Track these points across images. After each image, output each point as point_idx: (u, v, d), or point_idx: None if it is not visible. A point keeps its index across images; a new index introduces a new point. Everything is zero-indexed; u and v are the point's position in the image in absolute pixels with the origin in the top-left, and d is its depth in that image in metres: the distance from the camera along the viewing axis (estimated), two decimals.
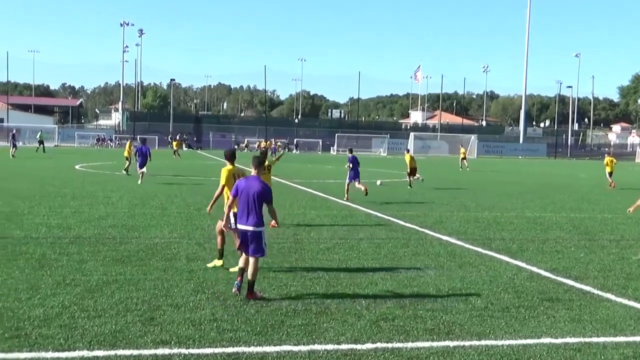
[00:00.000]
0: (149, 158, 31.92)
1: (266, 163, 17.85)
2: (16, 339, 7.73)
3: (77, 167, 42.17)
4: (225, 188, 11.90)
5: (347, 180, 25.83)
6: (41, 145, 66.40)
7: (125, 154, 37.47)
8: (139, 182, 30.30)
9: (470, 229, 18.33)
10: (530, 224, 19.83)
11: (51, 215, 18.19)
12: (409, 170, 33.89)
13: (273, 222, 10.77)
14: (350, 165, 25.84)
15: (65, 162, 47.58)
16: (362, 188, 25.46)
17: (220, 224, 11.97)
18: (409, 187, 33.21)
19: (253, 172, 10.31)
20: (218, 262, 12.22)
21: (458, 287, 11.17)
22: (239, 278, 10.22)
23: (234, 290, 10.15)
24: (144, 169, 31.30)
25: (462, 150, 59.48)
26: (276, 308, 9.41)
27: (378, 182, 33.68)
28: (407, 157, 34.41)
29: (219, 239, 12.31)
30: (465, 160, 57.20)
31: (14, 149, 55.41)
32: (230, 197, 10.46)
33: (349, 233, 16.83)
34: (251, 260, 10.03)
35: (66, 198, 22.80)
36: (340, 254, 13.90)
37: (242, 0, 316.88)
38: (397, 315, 9.30)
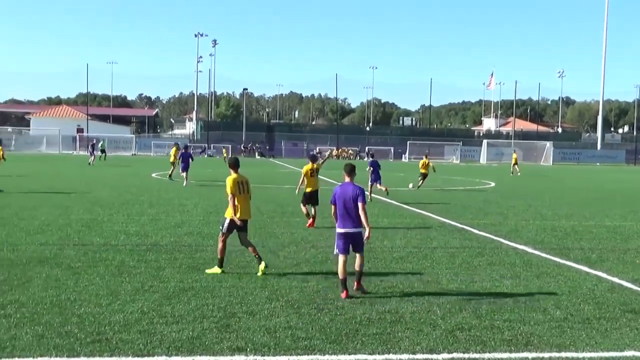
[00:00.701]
0: (190, 162, 35.87)
1: (315, 166, 19.39)
2: (97, 343, 7.93)
3: (153, 175, 43.12)
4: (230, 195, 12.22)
5: (370, 183, 27.91)
6: (103, 153, 70.37)
7: (171, 159, 39.22)
8: (184, 184, 33.83)
9: (547, 238, 17.93)
10: (610, 233, 19.28)
11: (129, 223, 18.63)
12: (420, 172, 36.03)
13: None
14: (371, 169, 28.22)
15: (142, 171, 48.69)
16: (384, 189, 28.01)
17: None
18: (416, 188, 35.17)
19: (346, 179, 11.06)
20: (217, 270, 12.29)
21: (535, 298, 10.93)
22: (345, 291, 10.61)
23: (344, 294, 10.51)
24: (186, 173, 34.88)
25: (515, 155, 60.99)
26: (350, 317, 9.40)
27: (410, 186, 35.83)
28: (421, 162, 36.56)
29: (220, 246, 12.39)
30: (516, 166, 58.35)
31: (92, 157, 59.21)
32: (332, 206, 11.06)
33: (423, 242, 16.69)
34: (358, 256, 10.92)
35: (143, 206, 23.31)
36: (414, 262, 13.79)
37: (313, 9, 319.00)
38: (474, 325, 9.17)
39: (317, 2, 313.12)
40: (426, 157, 37.03)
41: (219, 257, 12.37)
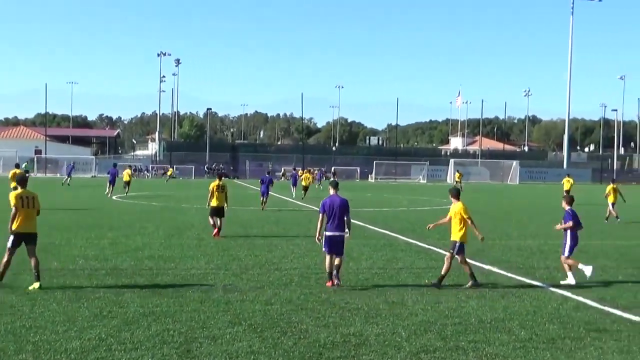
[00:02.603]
0: (116, 178, 45.37)
1: (220, 183, 22.34)
2: None
3: (114, 197, 42.71)
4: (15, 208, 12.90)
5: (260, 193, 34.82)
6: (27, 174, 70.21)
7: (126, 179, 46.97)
8: (109, 195, 43.04)
9: (512, 258, 18.13)
10: (575, 252, 19.47)
11: (88, 247, 18.43)
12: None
13: (347, 233, 13.70)
14: (261, 181, 34.90)
15: (102, 193, 48.17)
16: (262, 203, 33.98)
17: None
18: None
19: (331, 191, 13.86)
20: None
21: (501, 318, 11.03)
22: (330, 281, 13.32)
23: (329, 284, 13.23)
24: (112, 186, 44.14)
25: (458, 174, 68.62)
26: (314, 340, 9.40)
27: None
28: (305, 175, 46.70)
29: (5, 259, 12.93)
30: (460, 183, 63.89)
31: (68, 178, 63.15)
32: (321, 214, 13.49)
33: (388, 263, 16.76)
34: (338, 258, 13.32)
35: (103, 229, 23.08)
36: (380, 284, 13.84)
37: (278, 28, 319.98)
38: (438, 347, 9.22)
39: (281, 21, 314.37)
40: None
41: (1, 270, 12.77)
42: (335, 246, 13.35)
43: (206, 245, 19.26)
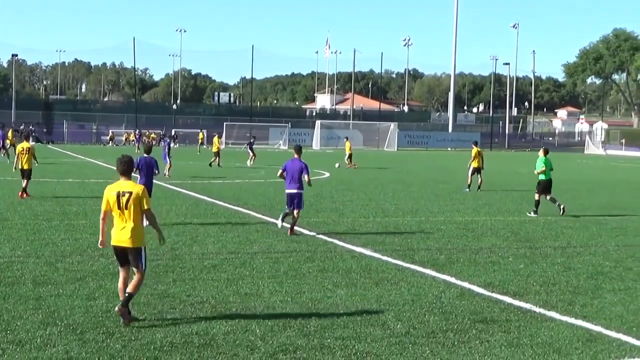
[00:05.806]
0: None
1: (28, 145, 26.96)
2: None
3: None
4: None
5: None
6: None
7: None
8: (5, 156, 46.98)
9: (389, 238, 18.60)
10: (460, 230, 20.29)
11: None
12: None
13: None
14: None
15: None
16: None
17: None
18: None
19: (295, 155, 19.14)
20: None
21: (374, 309, 11.31)
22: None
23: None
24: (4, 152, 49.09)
25: (216, 139, 71.62)
26: (148, 342, 9.34)
27: (337, 165, 47.98)
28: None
29: None
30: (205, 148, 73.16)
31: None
32: (282, 171, 18.97)
33: (240, 246, 16.83)
34: (295, 211, 18.80)
35: None
36: (229, 272, 13.88)
37: None
38: (300, 345, 9.37)
39: None
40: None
41: None
42: (296, 199, 18.58)
43: (11, 227, 18.68)
